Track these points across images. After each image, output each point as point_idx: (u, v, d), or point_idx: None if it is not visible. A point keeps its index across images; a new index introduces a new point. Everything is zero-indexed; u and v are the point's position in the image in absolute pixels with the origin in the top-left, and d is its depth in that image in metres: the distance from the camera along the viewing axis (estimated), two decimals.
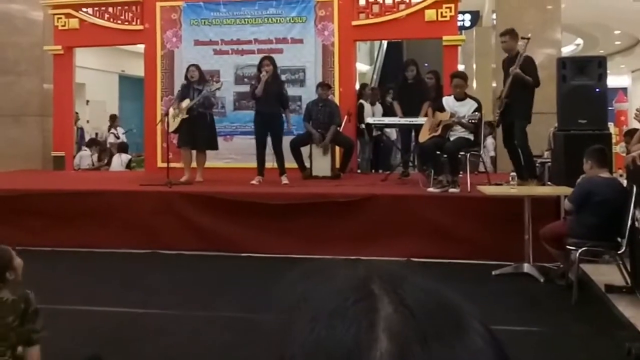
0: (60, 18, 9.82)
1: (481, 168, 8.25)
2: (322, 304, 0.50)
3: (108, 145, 12.29)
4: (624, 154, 8.64)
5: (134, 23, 9.77)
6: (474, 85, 13.82)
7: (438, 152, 6.89)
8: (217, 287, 5.52)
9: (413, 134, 8.02)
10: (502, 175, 7.65)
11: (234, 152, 9.07)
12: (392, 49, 15.43)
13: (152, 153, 9.40)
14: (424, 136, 7.11)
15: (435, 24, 8.82)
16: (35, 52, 10.54)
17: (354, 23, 9.09)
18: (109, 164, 11.38)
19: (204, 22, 9.32)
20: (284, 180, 7.62)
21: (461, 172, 6.99)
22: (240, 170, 8.42)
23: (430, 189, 6.76)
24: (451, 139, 6.85)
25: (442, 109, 6.97)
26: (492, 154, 10.17)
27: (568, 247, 5.09)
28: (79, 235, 6.76)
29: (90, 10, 9.87)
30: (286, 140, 7.99)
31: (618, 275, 5.09)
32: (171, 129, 7.80)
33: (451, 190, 6.63)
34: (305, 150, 8.36)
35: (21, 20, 10.82)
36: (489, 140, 10.13)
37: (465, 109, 6.84)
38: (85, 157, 11.26)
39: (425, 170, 7.61)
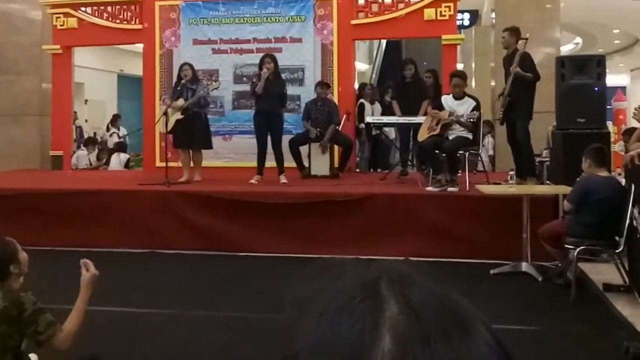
0: (59, 17, 9.81)
1: (480, 167, 8.25)
2: (329, 301, 0.51)
3: (112, 145, 12.23)
4: (623, 153, 8.65)
5: (132, 22, 9.76)
6: (473, 84, 13.82)
7: (437, 151, 6.89)
8: (215, 287, 5.52)
9: (412, 133, 8.02)
10: (501, 174, 7.66)
11: (233, 151, 9.07)
12: (391, 48, 15.42)
13: (151, 152, 9.40)
14: (422, 135, 7.11)
15: (434, 23, 8.82)
16: (34, 51, 10.54)
17: (353, 22, 9.09)
18: (107, 163, 11.37)
19: (203, 21, 9.31)
20: (283, 179, 7.62)
21: (460, 171, 6.99)
22: (239, 169, 8.42)
23: (429, 188, 6.77)
24: (450, 138, 6.86)
25: (441, 107, 6.98)
26: (491, 153, 10.17)
27: (566, 246, 5.09)
28: (77, 235, 6.76)
29: (89, 9, 9.86)
30: (285, 140, 7.99)
31: (616, 274, 5.09)
32: (163, 129, 7.71)
33: (450, 189, 6.64)
34: (304, 150, 8.36)
35: (20, 19, 10.82)
36: (488, 139, 10.13)
37: (464, 107, 6.85)
38: (83, 156, 11.25)
39: (424, 170, 7.62)
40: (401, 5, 9.07)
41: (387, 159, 10.52)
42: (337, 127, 8.45)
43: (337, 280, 0.53)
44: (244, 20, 9.23)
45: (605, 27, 17.21)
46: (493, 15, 11.18)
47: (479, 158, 7.92)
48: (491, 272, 5.68)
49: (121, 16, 9.82)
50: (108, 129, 12.88)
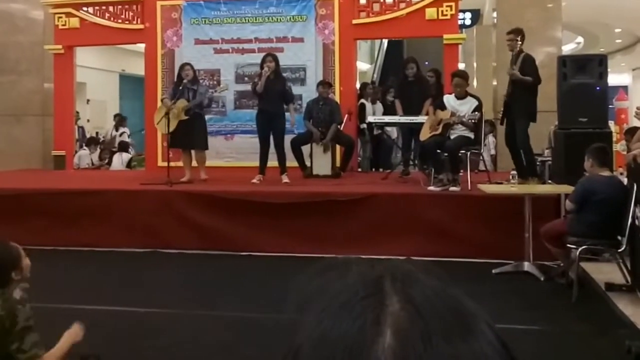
0: (61, 17, 9.82)
1: (481, 166, 8.25)
2: (332, 297, 0.52)
3: (117, 145, 12.19)
4: (625, 152, 8.63)
5: (134, 22, 9.77)
6: (475, 83, 13.80)
7: (439, 151, 6.89)
8: (217, 286, 5.52)
9: (413, 132, 8.02)
10: (503, 173, 7.65)
11: (235, 151, 9.07)
12: (393, 48, 15.41)
13: (153, 152, 9.41)
14: (424, 135, 7.11)
15: (436, 23, 8.82)
16: (36, 51, 10.55)
17: (355, 22, 9.09)
18: (109, 163, 11.37)
19: (205, 21, 9.32)
20: (285, 179, 7.62)
21: (462, 171, 6.99)
22: (241, 169, 8.43)
23: (431, 188, 6.77)
24: (452, 137, 6.86)
25: (443, 107, 6.97)
26: (493, 152, 10.16)
27: (568, 245, 5.09)
28: (79, 235, 6.77)
29: (90, 9, 9.87)
30: (287, 139, 7.99)
31: (618, 274, 5.09)
32: (165, 129, 7.64)
33: (452, 188, 6.63)
34: (305, 149, 8.36)
35: (22, 19, 10.83)
36: (490, 139, 10.12)
37: (466, 107, 6.84)
38: (84, 156, 11.25)
39: (426, 169, 7.62)
40: (402, 5, 9.07)
41: (389, 159, 10.52)
42: (339, 127, 8.45)
43: (341, 277, 0.54)
44: (245, 20, 9.23)
45: (607, 27, 17.18)
46: (495, 14, 11.18)
47: (481, 157, 7.92)
48: (493, 271, 5.68)
49: (123, 16, 9.83)
50: (117, 129, 12.85)
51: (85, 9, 9.86)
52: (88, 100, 16.32)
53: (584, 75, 6.73)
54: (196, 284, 5.60)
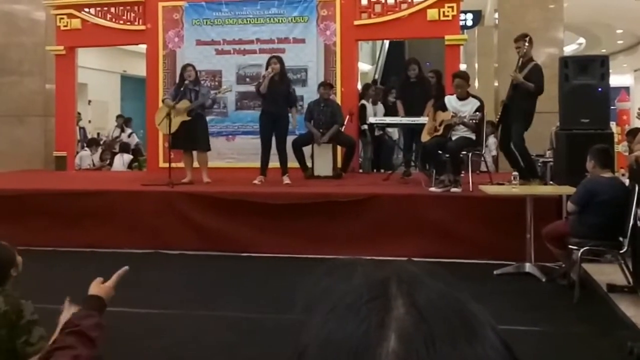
0: (63, 18, 9.84)
1: (483, 167, 8.25)
2: (338, 299, 0.52)
3: (132, 146, 12.18)
4: (626, 154, 8.62)
5: (136, 23, 9.78)
6: (476, 84, 13.80)
7: (440, 152, 6.89)
8: (218, 287, 5.52)
9: (415, 133, 8.02)
10: (504, 174, 7.64)
11: (236, 152, 9.08)
12: (394, 49, 15.42)
13: (154, 153, 9.41)
14: (425, 136, 7.11)
15: (438, 24, 8.82)
16: (37, 52, 10.57)
17: (356, 23, 9.09)
18: (110, 164, 11.38)
19: (206, 22, 9.33)
20: (286, 180, 7.62)
21: (463, 172, 6.98)
22: (242, 170, 8.43)
23: (432, 189, 6.76)
24: (453, 138, 6.85)
25: (444, 108, 6.97)
26: (494, 153, 10.15)
27: (570, 246, 5.09)
28: (81, 235, 6.78)
29: (92, 10, 9.89)
30: (288, 140, 7.99)
31: (620, 275, 5.08)
32: (166, 130, 7.63)
33: (453, 189, 6.63)
34: (307, 150, 8.37)
35: (24, 20, 10.85)
36: (491, 140, 10.12)
37: (468, 108, 6.84)
38: (86, 157, 11.27)
39: (427, 170, 7.61)
40: (404, 6, 9.08)
41: (390, 160, 10.53)
42: (340, 128, 8.45)
43: (347, 279, 0.54)
44: (247, 21, 9.24)
45: (608, 27, 17.18)
46: (496, 15, 11.17)
47: (482, 158, 7.92)
48: (495, 272, 5.68)
49: (124, 17, 9.85)
50: (123, 130, 12.85)
51: (87, 10, 9.87)
52: (90, 101, 16.35)
53: (586, 76, 6.72)
54: (197, 285, 5.60)
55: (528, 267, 5.64)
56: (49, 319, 2.75)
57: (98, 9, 9.88)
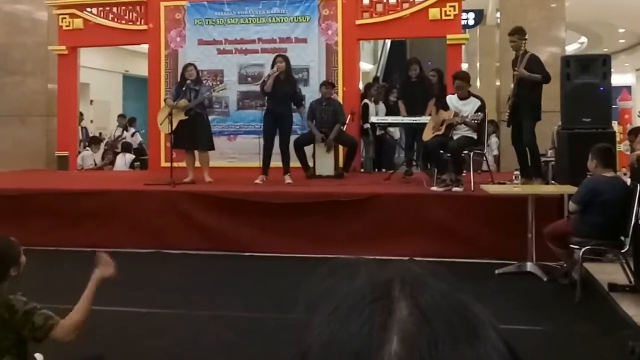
0: (65, 18, 9.85)
1: (485, 167, 8.24)
2: (341, 300, 0.52)
3: (136, 145, 12.18)
4: (628, 153, 8.62)
5: (138, 23, 9.79)
6: (478, 84, 13.79)
7: (441, 151, 6.89)
8: (220, 287, 5.53)
9: (416, 132, 8.02)
10: (506, 174, 7.65)
11: (238, 151, 9.08)
12: (396, 48, 15.42)
13: (156, 152, 9.42)
14: (427, 135, 7.11)
15: (439, 23, 8.82)
16: (40, 52, 10.59)
17: (358, 22, 9.10)
18: (112, 163, 11.39)
19: (208, 21, 9.34)
20: (288, 179, 7.62)
21: (464, 171, 6.98)
22: (244, 169, 8.44)
23: (434, 188, 6.76)
24: (455, 137, 6.85)
25: (446, 107, 6.97)
26: (496, 152, 10.16)
27: (571, 245, 5.08)
28: (83, 235, 6.78)
29: (94, 10, 9.90)
30: (290, 140, 7.99)
31: (621, 274, 5.08)
32: (168, 129, 7.64)
33: (455, 189, 6.63)
34: (308, 150, 8.37)
35: (26, 20, 10.86)
36: (493, 139, 10.12)
37: (469, 107, 6.84)
38: (88, 157, 11.27)
39: (429, 169, 7.61)
40: (406, 5, 9.08)
41: (392, 159, 10.52)
42: (342, 127, 8.45)
43: (350, 279, 0.54)
44: (248, 20, 9.25)
45: (610, 26, 17.15)
46: (498, 14, 11.17)
47: (484, 158, 7.91)
48: (496, 272, 5.68)
49: (126, 17, 9.86)
50: (127, 129, 12.86)
51: (89, 9, 9.89)
52: (92, 101, 16.36)
53: (588, 75, 6.72)
54: (199, 284, 5.61)
55: (529, 266, 5.64)
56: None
57: (100, 8, 9.90)
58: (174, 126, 7.58)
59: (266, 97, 7.81)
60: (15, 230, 6.24)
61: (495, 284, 5.38)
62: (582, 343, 4.14)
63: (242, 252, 6.48)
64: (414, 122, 7.85)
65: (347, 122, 8.65)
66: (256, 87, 8.36)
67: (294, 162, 8.04)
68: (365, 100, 9.98)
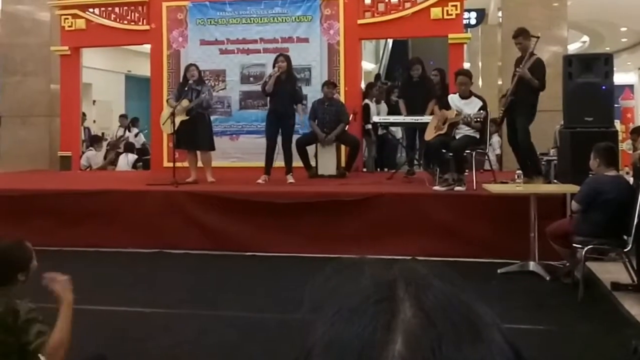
0: (67, 19, 9.86)
1: (487, 166, 8.24)
2: (345, 300, 0.52)
3: (139, 146, 12.19)
4: (631, 152, 8.62)
5: (140, 23, 9.80)
6: (480, 83, 13.79)
7: (444, 151, 6.89)
8: (222, 286, 5.53)
9: (418, 132, 8.02)
10: (508, 173, 7.64)
11: (240, 151, 9.08)
12: (398, 47, 15.42)
13: (159, 153, 9.43)
14: (429, 134, 7.11)
15: (441, 22, 8.81)
16: (42, 52, 10.60)
17: (360, 22, 9.09)
18: (114, 163, 11.40)
19: (210, 21, 9.34)
20: (290, 179, 7.63)
21: (467, 170, 6.98)
22: (246, 169, 8.43)
23: (436, 187, 6.76)
24: (457, 137, 6.85)
25: (448, 107, 6.97)
26: (498, 152, 10.15)
27: (574, 245, 5.08)
28: (85, 235, 6.79)
29: (96, 10, 9.91)
30: (292, 140, 7.99)
31: (624, 273, 5.08)
32: (170, 130, 7.65)
33: (457, 188, 6.63)
34: (310, 150, 8.37)
35: (28, 21, 10.88)
36: (495, 139, 10.11)
37: (471, 107, 6.84)
38: (92, 156, 11.28)
39: (431, 169, 7.61)
40: (407, 5, 9.06)
41: (394, 159, 10.52)
42: (345, 127, 8.45)
43: (355, 279, 0.54)
44: (250, 20, 9.25)
45: (612, 25, 17.12)
46: (500, 14, 11.16)
47: (486, 157, 7.91)
48: (499, 271, 5.67)
49: (129, 17, 9.87)
50: (129, 129, 12.87)
51: (91, 10, 9.89)
52: (94, 101, 16.39)
53: (590, 74, 6.71)
54: (201, 284, 5.62)
55: (532, 265, 5.63)
56: (49, 319, 2.76)
57: (102, 9, 9.90)
58: (176, 126, 7.59)
59: (268, 98, 7.82)
60: (18, 230, 6.29)
61: (497, 283, 5.38)
62: (584, 342, 4.14)
63: (245, 252, 6.49)
64: (416, 121, 7.85)
65: (350, 121, 8.65)
66: (258, 87, 8.36)
67: (297, 162, 8.04)
68: (366, 101, 9.97)
